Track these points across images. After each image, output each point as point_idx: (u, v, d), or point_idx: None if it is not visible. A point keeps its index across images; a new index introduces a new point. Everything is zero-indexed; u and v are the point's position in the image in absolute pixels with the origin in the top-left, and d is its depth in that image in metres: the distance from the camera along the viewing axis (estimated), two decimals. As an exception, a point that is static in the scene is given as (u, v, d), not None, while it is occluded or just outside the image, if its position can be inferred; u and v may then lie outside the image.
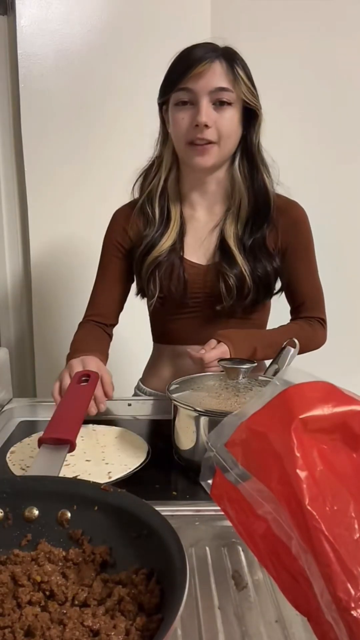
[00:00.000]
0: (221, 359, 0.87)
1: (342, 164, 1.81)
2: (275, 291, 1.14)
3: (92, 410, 0.91)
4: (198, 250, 1.12)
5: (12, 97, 1.70)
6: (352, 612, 0.37)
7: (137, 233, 1.13)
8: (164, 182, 1.10)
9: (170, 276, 1.09)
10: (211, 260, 1.11)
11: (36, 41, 1.63)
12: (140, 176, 1.14)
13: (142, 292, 1.15)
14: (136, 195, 1.15)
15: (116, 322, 1.20)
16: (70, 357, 1.02)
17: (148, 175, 1.13)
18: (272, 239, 1.10)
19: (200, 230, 1.12)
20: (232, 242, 1.08)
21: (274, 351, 0.98)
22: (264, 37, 1.69)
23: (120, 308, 1.20)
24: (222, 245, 1.09)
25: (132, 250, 1.13)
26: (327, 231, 1.74)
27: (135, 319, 1.24)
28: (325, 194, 1.77)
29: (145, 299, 1.16)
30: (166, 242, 1.09)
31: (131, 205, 1.16)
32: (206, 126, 0.98)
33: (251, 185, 1.09)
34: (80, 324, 1.17)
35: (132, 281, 1.18)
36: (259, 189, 1.08)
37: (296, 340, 0.94)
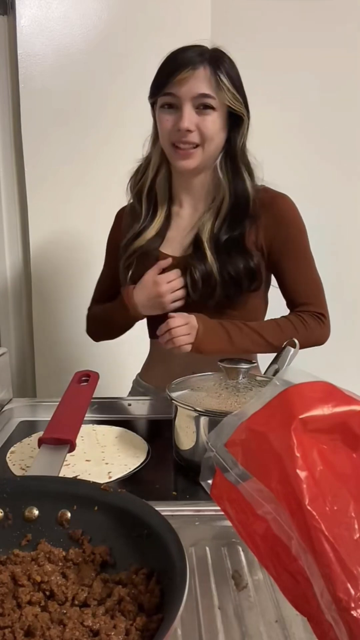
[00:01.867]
0: (221, 359, 0.87)
1: (342, 164, 1.81)
2: (250, 289, 1.10)
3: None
4: (177, 244, 1.14)
5: (12, 97, 1.70)
6: (352, 612, 0.37)
7: (127, 230, 1.17)
8: (151, 181, 1.13)
9: (144, 267, 1.11)
10: (184, 254, 1.12)
11: (36, 41, 1.63)
12: (131, 177, 1.17)
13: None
14: (129, 194, 1.19)
15: None
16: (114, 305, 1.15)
17: (137, 175, 1.16)
18: (252, 236, 1.10)
19: (183, 226, 1.15)
20: (205, 237, 1.09)
21: (252, 341, 1.03)
22: (264, 37, 1.69)
23: None
24: (196, 240, 1.11)
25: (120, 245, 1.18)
26: (326, 232, 1.75)
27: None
28: (324, 195, 1.77)
29: None
30: (147, 235, 1.12)
31: (123, 212, 1.22)
32: (188, 131, 1.01)
33: (233, 185, 1.10)
34: (90, 311, 1.26)
35: None
36: (239, 190, 1.09)
37: (296, 341, 0.94)
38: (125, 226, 1.18)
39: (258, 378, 0.86)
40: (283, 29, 1.72)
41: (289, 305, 1.16)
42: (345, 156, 1.81)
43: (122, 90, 1.67)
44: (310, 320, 1.11)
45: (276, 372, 0.93)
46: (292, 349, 0.94)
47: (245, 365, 0.84)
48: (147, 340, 1.25)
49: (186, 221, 1.15)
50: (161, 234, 1.14)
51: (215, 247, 1.08)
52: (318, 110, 1.76)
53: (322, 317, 1.12)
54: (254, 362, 0.86)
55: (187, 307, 1.10)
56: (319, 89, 1.75)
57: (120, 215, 1.23)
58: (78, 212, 1.74)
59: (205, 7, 1.66)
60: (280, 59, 1.71)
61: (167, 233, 1.15)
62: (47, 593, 0.48)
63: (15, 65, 1.65)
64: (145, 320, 1.23)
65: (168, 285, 1.06)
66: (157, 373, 1.21)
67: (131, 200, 1.19)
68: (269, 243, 1.11)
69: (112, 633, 0.41)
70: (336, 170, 1.81)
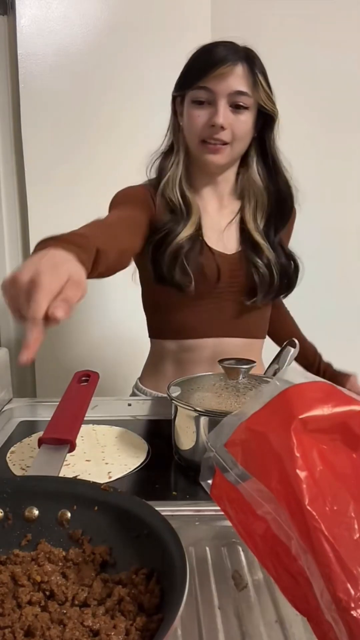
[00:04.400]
0: (221, 359, 0.87)
1: (351, 161, 1.81)
2: (295, 283, 1.15)
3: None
4: (218, 241, 1.11)
5: (12, 97, 1.70)
6: (352, 612, 0.37)
7: (161, 214, 1.08)
8: (180, 173, 1.09)
9: (201, 263, 1.06)
10: (235, 251, 1.11)
11: (36, 41, 1.63)
12: (159, 157, 1.12)
13: (162, 279, 1.07)
14: (152, 175, 1.12)
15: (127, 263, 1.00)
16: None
17: (168, 157, 1.10)
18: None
19: (217, 224, 1.12)
20: (256, 235, 1.10)
21: None
22: (264, 38, 1.68)
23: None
24: (246, 237, 1.11)
25: (153, 226, 1.06)
26: (325, 232, 1.75)
27: (133, 316, 1.23)
28: (324, 195, 1.77)
29: (141, 289, 1.17)
30: (188, 229, 1.06)
31: (150, 186, 1.11)
32: (222, 127, 0.99)
33: (272, 186, 1.10)
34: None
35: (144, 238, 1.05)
36: (281, 190, 1.10)
37: (296, 340, 0.94)
38: (158, 207, 1.07)
39: (258, 378, 0.86)
40: (284, 30, 1.72)
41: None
42: (352, 154, 1.81)
43: (122, 90, 1.67)
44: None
45: (276, 372, 0.93)
46: (292, 349, 0.94)
47: (245, 365, 0.84)
48: (145, 338, 1.24)
49: (217, 220, 1.13)
50: (199, 229, 1.09)
51: (269, 243, 1.10)
52: (320, 111, 1.76)
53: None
54: (254, 362, 0.86)
55: (234, 305, 1.11)
56: (322, 90, 1.75)
57: (144, 188, 1.10)
58: (78, 212, 1.72)
59: (205, 7, 1.66)
60: (280, 60, 1.71)
61: (203, 229, 1.10)
62: (47, 593, 0.48)
63: (15, 65, 1.64)
64: (144, 319, 1.22)
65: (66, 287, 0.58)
66: (164, 375, 1.17)
67: (162, 185, 1.08)
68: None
69: (112, 633, 0.41)
70: (344, 168, 1.81)
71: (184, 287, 1.06)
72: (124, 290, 1.23)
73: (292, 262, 1.12)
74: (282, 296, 1.15)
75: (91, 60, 1.66)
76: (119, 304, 1.65)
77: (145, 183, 1.12)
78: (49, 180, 1.71)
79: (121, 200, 1.09)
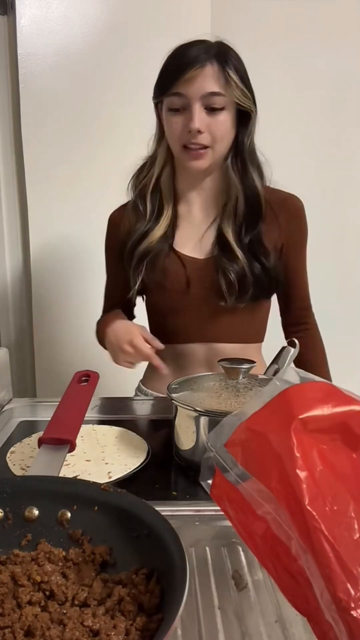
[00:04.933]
0: (221, 359, 0.87)
1: (343, 158, 1.82)
2: (275, 287, 1.12)
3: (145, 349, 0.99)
4: (194, 245, 1.11)
5: (12, 97, 1.70)
6: (352, 612, 0.37)
7: (129, 229, 1.12)
8: (157, 179, 1.10)
9: (156, 269, 1.08)
10: (209, 255, 1.10)
11: (36, 41, 1.63)
12: (134, 175, 1.14)
13: (131, 284, 1.12)
14: (131, 193, 1.15)
15: (134, 304, 1.23)
16: (103, 328, 1.10)
17: (141, 172, 1.12)
18: (274, 234, 1.09)
19: (197, 227, 1.12)
20: (230, 237, 1.07)
21: None
22: (264, 34, 1.69)
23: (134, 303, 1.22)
24: (221, 240, 1.08)
25: (125, 247, 1.12)
26: (326, 229, 1.75)
27: (136, 319, 1.23)
28: (327, 193, 1.77)
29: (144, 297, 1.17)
30: (155, 234, 1.09)
31: (124, 206, 1.16)
32: (199, 132, 0.98)
33: (244, 185, 1.08)
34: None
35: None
36: (250, 188, 1.08)
37: (296, 340, 0.94)
38: (126, 228, 1.13)
39: (258, 378, 0.86)
40: (283, 30, 1.72)
41: (291, 305, 1.18)
42: (349, 154, 1.82)
43: (122, 90, 1.67)
44: (317, 332, 1.21)
45: (276, 372, 0.93)
46: (292, 349, 0.94)
47: (245, 365, 0.84)
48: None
49: (199, 221, 1.12)
50: (170, 234, 1.10)
51: (241, 248, 1.07)
52: (320, 107, 1.76)
53: (315, 321, 1.21)
54: (254, 362, 0.86)
55: (217, 310, 1.09)
56: (322, 86, 1.75)
57: (115, 218, 1.17)
58: (78, 212, 1.74)
59: (205, 7, 1.66)
60: (281, 60, 1.71)
61: (176, 233, 1.11)
62: (47, 593, 0.48)
63: (15, 65, 1.65)
64: (147, 322, 1.22)
65: (142, 344, 1.00)
66: (162, 378, 1.14)
67: (132, 199, 1.14)
68: (286, 242, 1.11)
69: (112, 633, 0.41)
70: (344, 168, 1.82)
71: (145, 292, 1.11)
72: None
73: (267, 267, 1.07)
74: (264, 297, 1.12)
75: (91, 60, 1.67)
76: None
77: (119, 209, 1.18)
78: (49, 180, 1.71)
79: (106, 260, 1.22)
